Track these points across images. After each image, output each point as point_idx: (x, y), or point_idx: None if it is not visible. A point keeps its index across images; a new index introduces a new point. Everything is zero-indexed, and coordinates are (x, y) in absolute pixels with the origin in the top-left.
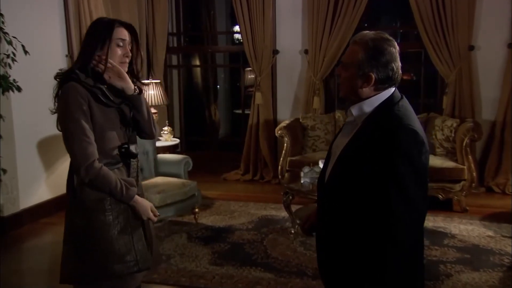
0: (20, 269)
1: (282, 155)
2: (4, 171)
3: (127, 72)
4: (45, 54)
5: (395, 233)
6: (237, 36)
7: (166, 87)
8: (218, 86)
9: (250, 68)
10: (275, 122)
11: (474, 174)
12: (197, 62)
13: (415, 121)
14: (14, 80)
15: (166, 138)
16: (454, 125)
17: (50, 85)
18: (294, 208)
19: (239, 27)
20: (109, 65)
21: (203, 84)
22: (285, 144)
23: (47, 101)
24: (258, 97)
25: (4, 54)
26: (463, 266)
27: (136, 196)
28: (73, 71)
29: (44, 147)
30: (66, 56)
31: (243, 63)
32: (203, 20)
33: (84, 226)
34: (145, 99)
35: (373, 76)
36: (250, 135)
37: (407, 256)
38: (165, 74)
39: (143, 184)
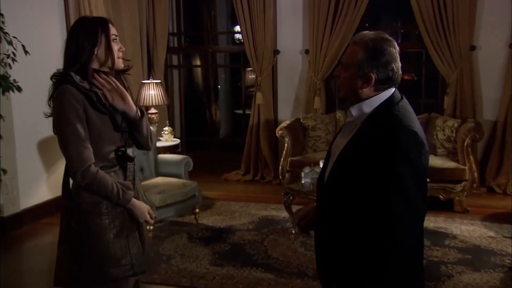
0: (20, 269)
1: (283, 155)
2: (4, 171)
3: (122, 70)
4: (45, 54)
5: (395, 233)
6: (237, 36)
7: (167, 87)
8: (218, 86)
9: (251, 68)
10: (276, 122)
11: (475, 174)
12: (198, 62)
13: (415, 122)
14: (14, 80)
15: (167, 138)
16: (455, 125)
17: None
18: (294, 208)
19: (240, 27)
20: (114, 85)
21: (203, 84)
22: (285, 144)
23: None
24: (259, 97)
25: (4, 54)
26: (464, 267)
27: (133, 199)
28: (69, 74)
29: (45, 147)
30: None
31: (243, 63)
32: (203, 20)
33: (80, 230)
34: (147, 120)
35: (373, 77)
36: (250, 135)
37: (407, 257)
38: (166, 74)
39: (144, 185)
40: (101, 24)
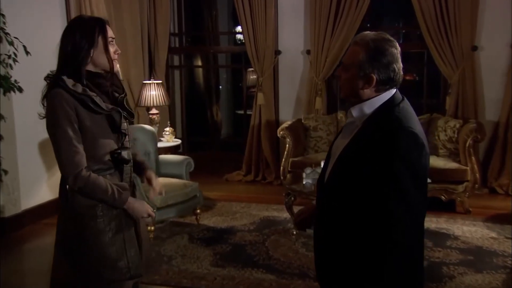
0: (21, 270)
1: (284, 156)
2: (5, 172)
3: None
4: (46, 55)
5: (394, 234)
6: (239, 36)
7: (168, 88)
8: (220, 87)
9: (252, 69)
10: (277, 123)
11: (477, 175)
12: (199, 63)
13: (416, 124)
14: (15, 80)
15: (168, 139)
16: (457, 125)
17: None
18: (296, 209)
19: (241, 28)
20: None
21: (205, 84)
22: (287, 145)
23: None
24: (260, 98)
25: (6, 54)
26: (466, 268)
27: (130, 198)
28: (60, 78)
29: (45, 148)
30: None
31: (245, 63)
32: (205, 21)
33: (76, 232)
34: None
35: (374, 77)
36: (252, 136)
37: (407, 257)
38: (167, 74)
39: (145, 185)
40: (99, 25)
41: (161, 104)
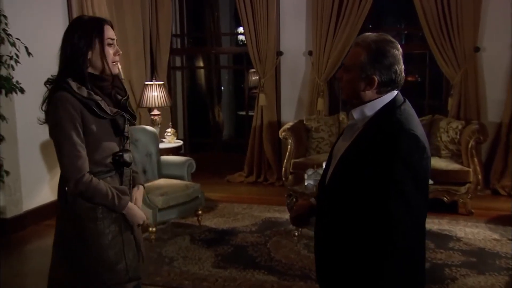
0: (23, 271)
1: (286, 157)
2: (7, 173)
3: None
4: (48, 56)
5: (395, 236)
6: (241, 37)
7: (170, 89)
8: (222, 88)
9: (254, 70)
10: (279, 124)
11: (480, 176)
12: (201, 64)
13: (417, 126)
14: (17, 81)
15: (170, 140)
16: (459, 127)
17: None
18: None
19: (243, 29)
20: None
21: (206, 85)
22: (289, 146)
23: None
24: (262, 99)
25: (7, 55)
26: (469, 270)
27: (129, 204)
28: (64, 80)
29: (47, 148)
30: None
31: (247, 64)
32: (206, 22)
33: (75, 234)
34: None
35: (376, 79)
36: (254, 137)
37: (407, 259)
38: (169, 75)
39: (146, 187)
40: (96, 27)
41: (163, 105)
